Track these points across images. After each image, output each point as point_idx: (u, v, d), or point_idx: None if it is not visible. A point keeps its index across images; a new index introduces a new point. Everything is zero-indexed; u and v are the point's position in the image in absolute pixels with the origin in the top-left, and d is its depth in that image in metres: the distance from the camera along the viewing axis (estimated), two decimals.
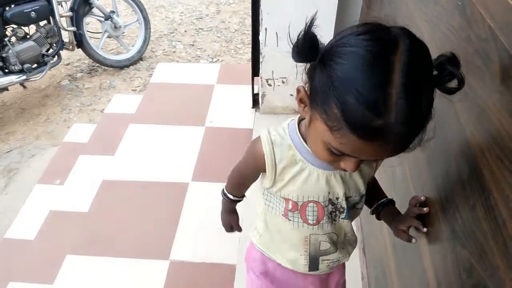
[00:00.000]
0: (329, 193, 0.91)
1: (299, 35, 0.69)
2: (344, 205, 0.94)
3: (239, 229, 1.27)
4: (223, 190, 1.14)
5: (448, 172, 0.86)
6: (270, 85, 2.37)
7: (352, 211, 0.98)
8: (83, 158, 2.43)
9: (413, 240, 0.95)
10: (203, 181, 2.18)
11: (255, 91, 2.54)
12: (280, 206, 0.95)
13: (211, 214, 2.02)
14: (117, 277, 1.80)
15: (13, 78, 2.88)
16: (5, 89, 2.99)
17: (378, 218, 1.05)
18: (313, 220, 0.94)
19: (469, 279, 0.77)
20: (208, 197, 2.10)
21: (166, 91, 2.88)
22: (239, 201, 1.16)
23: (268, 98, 2.44)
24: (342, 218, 0.96)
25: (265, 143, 0.89)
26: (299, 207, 0.92)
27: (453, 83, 0.68)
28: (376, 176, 1.06)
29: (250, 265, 1.17)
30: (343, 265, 1.17)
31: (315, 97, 0.70)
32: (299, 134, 0.87)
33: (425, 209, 0.94)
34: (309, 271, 1.05)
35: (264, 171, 0.91)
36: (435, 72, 0.67)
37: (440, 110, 0.95)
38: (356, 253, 1.81)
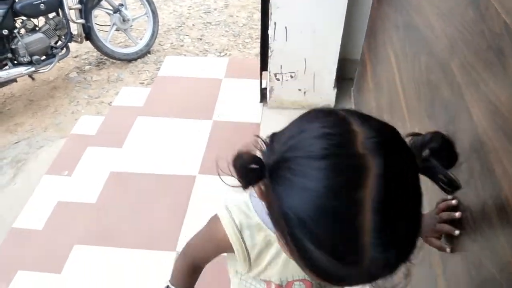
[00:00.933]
0: None
1: (236, 162, 0.55)
2: None
3: None
4: (167, 287, 0.92)
5: (459, 168, 0.86)
6: (278, 79, 2.37)
7: None
8: (91, 149, 2.44)
9: (448, 250, 0.85)
10: (210, 174, 2.19)
11: (263, 86, 2.54)
12: None
13: (217, 206, 2.05)
14: (124, 268, 1.81)
15: (22, 69, 2.90)
16: (14, 80, 3.01)
17: None
18: None
19: (479, 276, 0.77)
20: (215, 190, 2.11)
21: (173, 85, 2.89)
22: None
23: (276, 93, 2.44)
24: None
25: (229, 229, 0.74)
26: (284, 286, 0.81)
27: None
28: None
29: None
30: None
31: (269, 212, 0.55)
32: (265, 207, 0.68)
33: (457, 214, 0.83)
34: None
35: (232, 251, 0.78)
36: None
37: (451, 105, 0.96)
38: None
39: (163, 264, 1.82)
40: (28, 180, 2.49)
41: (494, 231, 0.72)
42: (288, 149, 0.51)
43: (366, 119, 0.51)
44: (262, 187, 0.56)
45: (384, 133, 0.51)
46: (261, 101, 2.58)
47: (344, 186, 0.46)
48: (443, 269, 0.96)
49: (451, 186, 0.54)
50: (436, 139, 0.53)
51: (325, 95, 2.40)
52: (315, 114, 0.54)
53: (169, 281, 0.93)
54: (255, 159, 0.53)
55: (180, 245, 1.89)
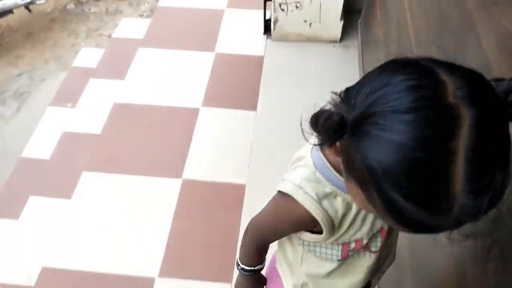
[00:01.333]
0: None
1: (318, 120, 0.53)
2: None
3: None
4: (238, 265, 0.95)
5: None
6: (283, 9, 2.31)
7: None
8: (93, 82, 2.44)
9: None
10: (214, 107, 2.21)
11: (267, 17, 2.48)
12: (334, 253, 0.81)
13: (222, 137, 2.10)
14: (132, 193, 1.89)
15: (18, 0, 2.82)
16: (10, 11, 2.93)
17: None
18: (376, 247, 0.82)
19: None
20: (218, 122, 2.15)
21: (174, 16, 2.82)
22: (262, 268, 0.96)
23: (281, 24, 2.39)
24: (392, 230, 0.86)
25: (309, 204, 0.71)
26: (364, 243, 0.80)
27: None
28: None
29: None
30: None
31: (350, 169, 0.56)
32: (333, 171, 0.70)
33: None
34: None
35: (308, 227, 0.77)
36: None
37: (461, 33, 0.95)
38: None
39: (170, 190, 1.89)
40: (32, 112, 2.52)
41: None
42: (372, 103, 0.49)
43: (452, 68, 0.50)
44: (338, 144, 0.56)
45: (474, 82, 0.49)
46: (264, 33, 2.53)
47: (436, 137, 0.46)
48: None
49: None
50: None
51: (331, 26, 2.35)
52: (396, 66, 0.52)
53: (239, 259, 0.94)
54: (338, 115, 0.52)
55: (186, 173, 1.95)
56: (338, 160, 0.60)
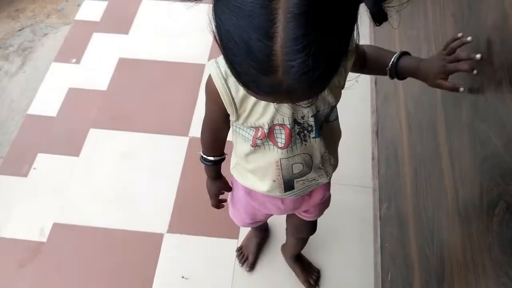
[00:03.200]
0: (293, 113, 0.83)
1: None
2: (312, 123, 0.85)
3: (229, 189, 1.17)
4: (200, 156, 1.06)
5: (479, 45, 0.83)
6: None
7: (326, 127, 0.90)
8: (97, 36, 2.38)
9: (461, 89, 0.80)
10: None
11: None
12: (249, 136, 0.89)
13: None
14: (140, 150, 1.90)
15: None
16: None
17: (402, 78, 0.91)
18: (281, 143, 0.87)
19: (484, 151, 0.80)
20: None
21: None
22: (222, 160, 1.07)
23: None
24: (312, 138, 0.89)
25: (215, 77, 0.79)
26: (266, 133, 0.85)
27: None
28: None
29: (233, 187, 1.16)
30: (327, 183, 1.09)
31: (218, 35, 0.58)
32: None
33: (477, 55, 0.76)
34: (285, 192, 0.99)
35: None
36: None
37: None
38: (368, 136, 1.86)
39: (177, 148, 1.89)
40: (36, 68, 2.48)
41: (507, 111, 0.72)
42: None
43: None
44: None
45: None
46: None
47: None
48: (449, 143, 0.99)
49: (377, 16, 0.52)
50: None
51: None
52: None
53: (201, 151, 1.05)
54: None
55: (192, 131, 1.94)
56: None
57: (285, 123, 0.84)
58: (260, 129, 0.85)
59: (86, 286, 1.61)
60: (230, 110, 0.83)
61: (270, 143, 0.88)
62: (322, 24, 0.48)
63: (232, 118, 0.86)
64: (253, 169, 0.97)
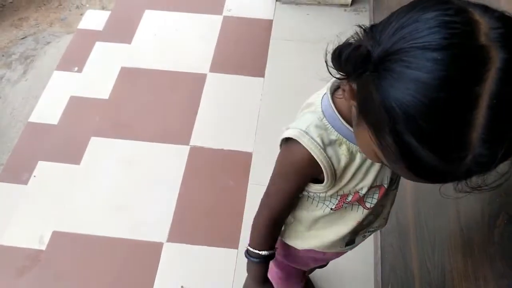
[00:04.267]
0: (393, 172, 0.77)
1: (340, 50, 0.51)
2: (399, 176, 0.81)
3: None
4: (247, 251, 0.88)
5: None
6: None
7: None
8: (100, 45, 2.40)
9: None
10: (221, 72, 2.17)
11: None
12: (329, 203, 0.81)
13: (229, 103, 2.08)
14: (140, 159, 1.90)
15: None
16: None
17: None
18: (371, 203, 0.81)
19: None
20: (225, 88, 2.12)
21: None
22: (273, 256, 0.89)
23: None
24: (392, 190, 0.85)
25: (313, 149, 0.69)
26: (361, 197, 0.78)
27: None
28: None
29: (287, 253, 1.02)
30: None
31: (365, 110, 0.54)
32: (340, 118, 0.68)
33: None
34: (345, 247, 0.93)
35: (313, 177, 0.75)
36: None
37: None
38: None
39: (178, 157, 1.89)
40: (38, 76, 2.50)
41: None
42: (400, 39, 0.47)
43: (487, 9, 0.46)
44: (354, 85, 0.55)
45: (509, 24, 0.45)
46: None
47: (462, 79, 0.43)
48: None
49: None
50: None
51: None
52: (427, 3, 0.48)
53: (248, 245, 0.87)
54: (365, 48, 0.49)
55: (194, 140, 1.95)
56: (349, 106, 0.59)
57: (383, 183, 0.79)
58: (353, 194, 0.78)
59: None
60: (328, 181, 0.73)
61: (356, 203, 0.81)
62: None
63: (322, 189, 0.76)
64: (316, 229, 0.88)
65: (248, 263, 0.89)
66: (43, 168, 1.94)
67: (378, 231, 1.58)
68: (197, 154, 1.90)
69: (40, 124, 2.17)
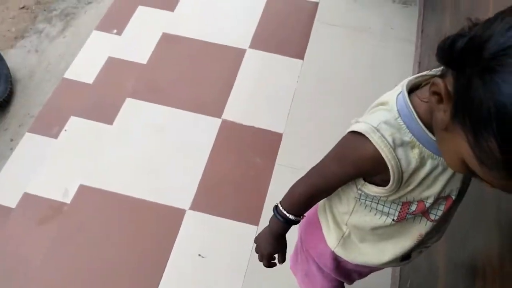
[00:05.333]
0: (463, 182, 0.74)
1: (453, 41, 0.50)
2: (466, 188, 0.77)
3: (283, 260, 0.98)
4: (276, 207, 0.88)
5: None
6: None
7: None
8: (142, 9, 2.39)
9: None
10: (261, 50, 2.15)
11: None
12: (391, 212, 0.77)
13: (265, 82, 2.06)
14: (173, 126, 1.91)
15: None
16: None
17: None
18: (436, 215, 0.77)
19: None
20: (263, 66, 2.11)
21: None
22: (297, 223, 0.89)
23: None
24: (458, 201, 0.81)
25: (382, 147, 0.66)
26: (428, 207, 0.75)
27: None
28: None
29: (315, 257, 1.00)
30: None
31: (463, 110, 0.51)
32: (418, 119, 0.65)
33: None
34: (401, 262, 0.90)
35: (367, 175, 0.74)
36: None
37: None
38: None
39: (209, 129, 1.89)
40: (77, 34, 2.51)
41: None
42: (508, 39, 0.45)
43: None
44: (449, 87, 0.53)
45: None
46: None
47: None
48: None
49: None
50: None
51: None
52: None
53: (280, 202, 0.87)
54: (480, 38, 0.48)
55: (226, 113, 1.94)
56: (430, 109, 0.58)
57: (451, 194, 0.75)
58: (416, 203, 0.74)
59: (102, 250, 1.62)
60: (393, 184, 0.70)
61: (419, 215, 0.78)
62: None
63: (384, 192, 0.73)
64: (374, 242, 0.85)
65: (272, 217, 0.89)
66: (75, 124, 1.96)
67: None
68: (227, 128, 1.90)
69: (75, 81, 2.18)
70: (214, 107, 1.95)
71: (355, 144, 0.70)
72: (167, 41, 2.20)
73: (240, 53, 2.14)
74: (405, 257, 0.88)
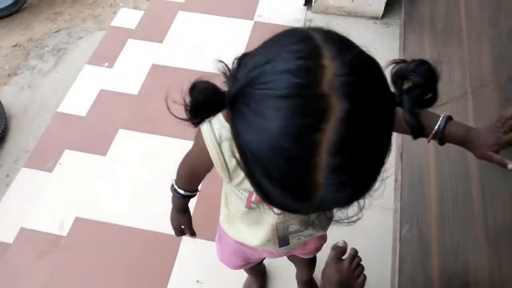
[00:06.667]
0: None
1: (192, 93, 0.53)
2: None
3: (192, 233, 1.12)
4: (172, 185, 0.99)
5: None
6: None
7: None
8: (132, 42, 2.45)
9: (510, 166, 0.73)
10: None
11: None
12: (242, 196, 0.85)
13: None
14: (165, 153, 1.93)
15: None
16: None
17: (443, 143, 0.82)
18: (278, 210, 0.84)
19: None
20: None
21: None
22: (192, 196, 1.01)
23: None
24: None
25: (208, 141, 0.74)
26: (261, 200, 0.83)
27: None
28: None
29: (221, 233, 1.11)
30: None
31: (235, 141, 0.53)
32: None
33: None
34: (280, 247, 0.98)
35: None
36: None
37: None
38: (392, 156, 1.87)
39: None
40: (69, 69, 2.56)
41: None
42: (249, 82, 0.47)
43: (343, 50, 0.46)
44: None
45: (358, 71, 0.45)
46: (305, 4, 2.49)
47: (301, 129, 0.43)
48: (480, 169, 0.99)
49: (412, 131, 0.49)
50: (419, 71, 0.47)
51: (374, 1, 2.30)
52: (286, 40, 0.49)
53: (174, 180, 0.99)
54: (213, 90, 0.50)
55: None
56: None
57: None
58: (254, 194, 0.81)
59: (101, 282, 1.62)
60: (222, 174, 0.78)
61: (266, 207, 0.85)
62: (365, 153, 0.46)
63: (224, 179, 0.81)
64: (248, 225, 0.94)
65: (172, 196, 1.00)
66: (69, 157, 1.98)
67: (398, 238, 1.59)
68: None
69: (68, 114, 2.21)
70: None
71: (199, 133, 0.77)
72: (157, 71, 2.24)
73: None
74: (282, 243, 0.97)
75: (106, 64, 2.43)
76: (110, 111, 2.14)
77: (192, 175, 0.96)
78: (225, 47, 2.35)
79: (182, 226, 1.09)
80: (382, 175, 0.49)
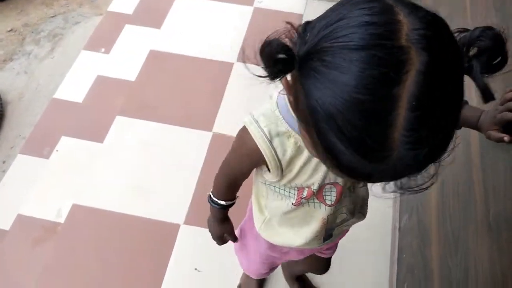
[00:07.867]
0: None
1: (264, 51, 0.49)
2: None
3: (235, 239, 1.10)
4: (209, 196, 0.98)
5: None
6: None
7: None
8: (129, 28, 2.42)
9: (506, 139, 0.74)
10: (249, 63, 2.18)
11: None
12: (290, 196, 0.83)
13: (253, 95, 2.07)
14: (163, 141, 1.92)
15: None
16: None
17: (457, 129, 0.81)
18: (331, 201, 0.83)
19: None
20: (253, 79, 2.12)
21: None
22: (232, 204, 0.98)
23: None
24: (360, 187, 0.87)
25: (259, 139, 0.72)
26: (315, 193, 0.80)
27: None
28: None
29: (252, 231, 1.06)
30: None
31: (297, 109, 0.52)
32: (291, 110, 0.68)
33: None
34: (323, 242, 0.96)
35: (264, 163, 0.77)
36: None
37: None
38: None
39: (199, 142, 1.90)
40: (65, 55, 2.52)
41: None
42: (322, 38, 0.46)
43: (414, 9, 0.45)
44: (290, 80, 0.53)
45: (433, 26, 0.44)
46: None
47: (380, 80, 0.42)
48: (481, 155, 0.99)
49: (484, 95, 0.47)
50: (486, 36, 0.46)
51: None
52: (357, 0, 0.47)
53: (211, 192, 0.97)
54: (284, 47, 0.48)
55: (216, 127, 1.96)
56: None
57: (337, 181, 0.79)
58: (307, 189, 0.80)
59: (98, 269, 1.62)
60: (274, 172, 0.76)
61: (317, 201, 0.83)
62: (443, 110, 0.44)
63: (273, 179, 0.79)
64: (291, 226, 0.92)
65: (211, 208, 0.99)
66: (66, 144, 1.96)
67: (397, 228, 1.58)
68: (219, 141, 1.91)
69: (64, 101, 2.18)
70: (205, 121, 1.96)
71: (242, 135, 0.76)
72: (155, 57, 2.22)
73: (228, 66, 2.17)
74: (326, 237, 0.95)
75: (103, 49, 2.39)
76: (107, 97, 2.11)
77: (232, 183, 0.93)
78: (224, 33, 2.32)
79: (225, 235, 1.08)
80: (454, 139, 0.47)
